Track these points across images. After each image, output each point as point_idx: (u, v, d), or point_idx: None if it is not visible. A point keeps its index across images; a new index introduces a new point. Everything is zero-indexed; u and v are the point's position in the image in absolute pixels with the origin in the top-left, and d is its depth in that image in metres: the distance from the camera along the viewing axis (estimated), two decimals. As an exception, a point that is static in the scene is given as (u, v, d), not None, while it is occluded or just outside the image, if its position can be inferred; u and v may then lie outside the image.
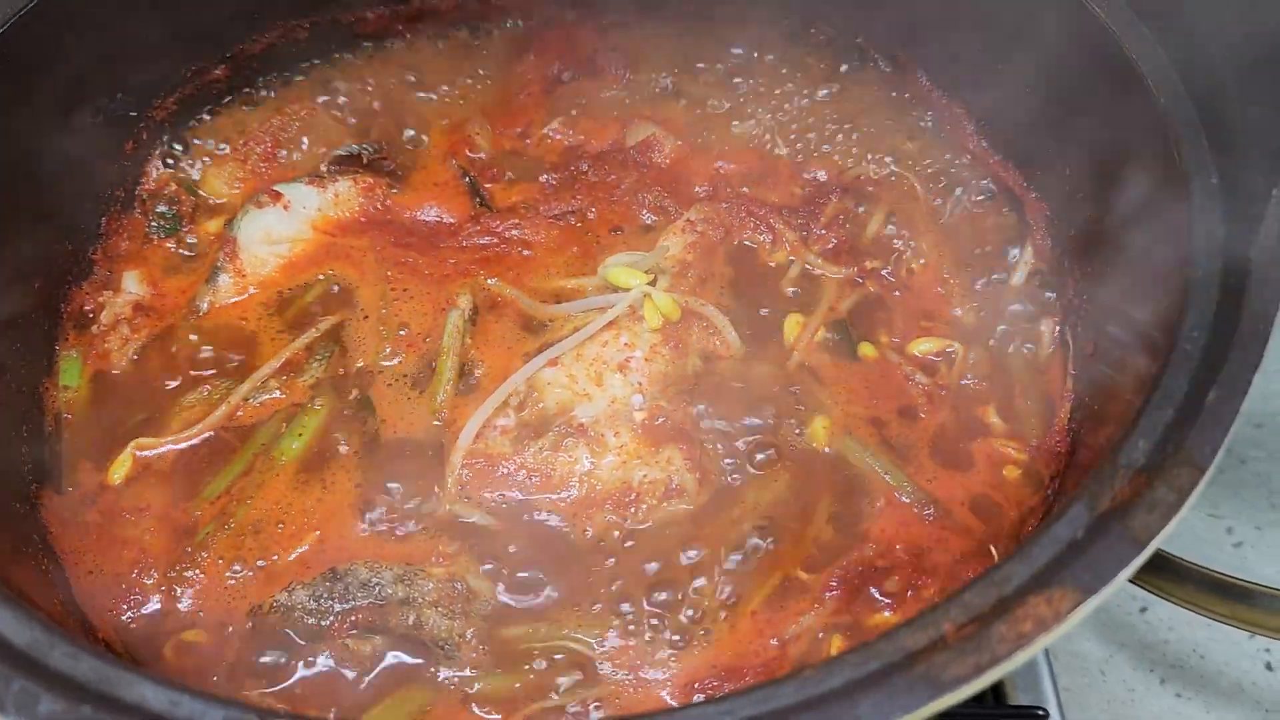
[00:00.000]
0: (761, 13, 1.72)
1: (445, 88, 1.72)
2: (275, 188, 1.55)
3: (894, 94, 1.68)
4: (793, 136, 1.65)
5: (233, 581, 1.25)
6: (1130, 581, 1.25)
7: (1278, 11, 1.12)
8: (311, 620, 1.20)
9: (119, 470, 1.34)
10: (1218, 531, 1.74)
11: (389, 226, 1.56)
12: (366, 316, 1.46)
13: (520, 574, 1.25)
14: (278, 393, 1.40)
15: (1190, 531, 1.74)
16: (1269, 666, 1.62)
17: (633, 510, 1.29)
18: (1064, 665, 1.62)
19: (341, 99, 1.71)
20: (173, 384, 1.42)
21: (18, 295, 1.40)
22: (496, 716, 1.17)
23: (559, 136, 1.67)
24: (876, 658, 0.84)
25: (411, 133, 1.68)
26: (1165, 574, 1.37)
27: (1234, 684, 1.61)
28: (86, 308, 1.48)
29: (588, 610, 1.23)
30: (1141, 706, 1.60)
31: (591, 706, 1.17)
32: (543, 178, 1.62)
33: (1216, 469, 0.94)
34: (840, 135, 1.65)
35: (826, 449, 1.35)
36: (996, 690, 1.51)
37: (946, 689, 0.81)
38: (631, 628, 1.22)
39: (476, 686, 1.18)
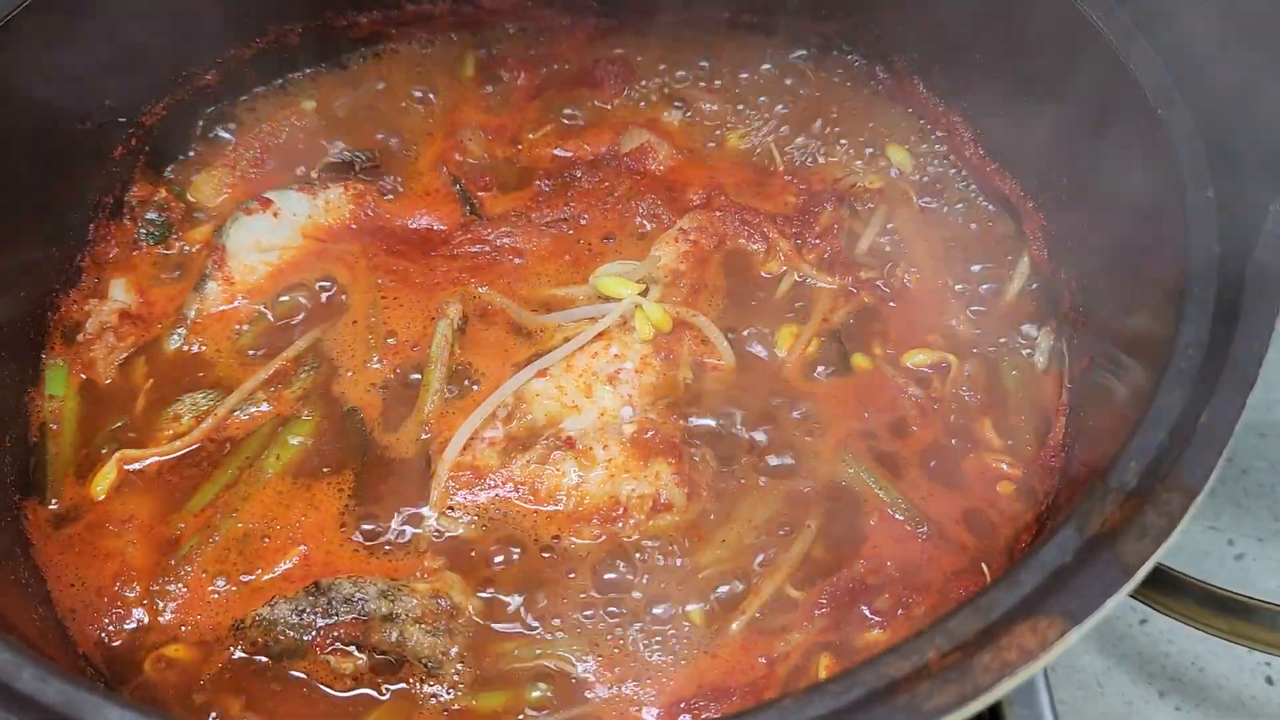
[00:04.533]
0: (757, 21, 1.70)
1: (437, 94, 1.71)
2: (265, 194, 1.54)
3: (891, 102, 1.66)
4: (788, 145, 1.64)
5: (216, 595, 1.25)
6: (1129, 595, 1.23)
7: (1276, 26, 1.10)
8: (294, 635, 1.19)
9: (103, 482, 1.33)
10: (1219, 544, 1.72)
11: (379, 234, 1.55)
12: (355, 324, 1.45)
13: (506, 590, 1.24)
14: (265, 405, 1.39)
15: (1191, 544, 1.72)
16: (1269, 680, 1.60)
17: (621, 525, 1.28)
18: (1061, 678, 1.61)
19: (333, 105, 1.69)
20: (159, 394, 1.41)
21: (3, 302, 1.39)
22: (480, 734, 1.16)
23: (552, 143, 1.65)
24: (859, 685, 0.82)
25: (403, 140, 1.66)
26: (1165, 589, 1.36)
27: (1234, 697, 1.59)
28: (73, 316, 1.47)
29: (574, 627, 1.22)
30: (1140, 720, 1.58)
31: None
32: (535, 185, 1.61)
33: (1216, 481, 0.92)
34: (835, 144, 1.64)
35: (819, 463, 1.33)
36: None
37: (928, 719, 0.79)
38: (618, 645, 1.21)
39: (460, 704, 1.18)
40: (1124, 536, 0.88)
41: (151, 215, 1.57)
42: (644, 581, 1.25)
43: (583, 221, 1.54)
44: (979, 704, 0.80)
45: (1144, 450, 0.94)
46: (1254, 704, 1.58)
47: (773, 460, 1.34)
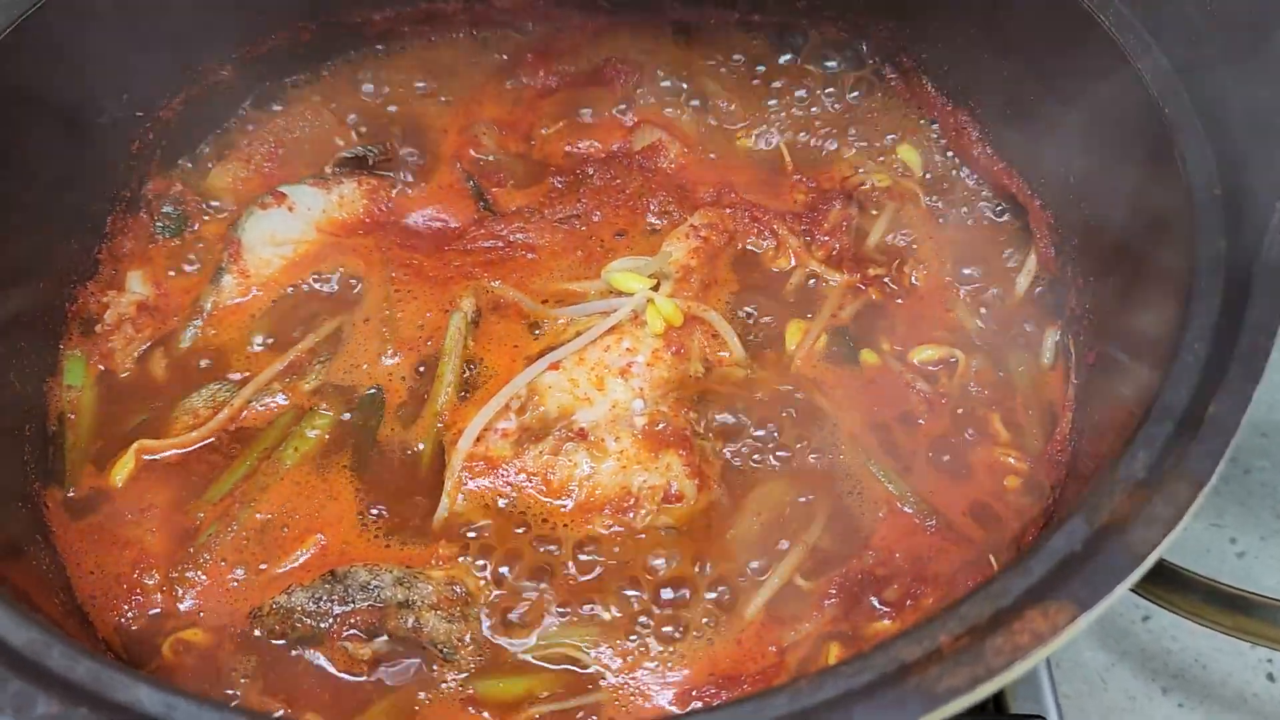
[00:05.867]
0: (768, 20, 1.72)
1: (451, 91, 1.72)
2: (279, 189, 1.55)
3: (899, 101, 1.68)
4: (797, 143, 1.65)
5: (234, 583, 1.26)
6: (1133, 591, 1.24)
7: (1282, 24, 1.12)
8: (311, 622, 1.21)
9: (121, 471, 1.34)
10: (1222, 541, 1.73)
11: (393, 229, 1.57)
12: (369, 319, 1.46)
13: (520, 578, 1.25)
14: (281, 396, 1.40)
15: (1194, 541, 1.73)
16: (1271, 677, 1.61)
17: (632, 515, 1.29)
18: (1065, 673, 1.62)
19: (347, 101, 1.71)
20: (176, 385, 1.42)
21: (23, 294, 1.41)
22: (494, 720, 1.17)
23: (565, 140, 1.67)
24: (870, 669, 0.83)
25: (416, 135, 1.68)
26: (1168, 584, 1.37)
27: (1236, 694, 1.60)
28: (91, 308, 1.49)
29: (586, 615, 1.23)
30: (1142, 715, 1.59)
31: (589, 712, 1.17)
32: (548, 181, 1.62)
33: (1219, 480, 0.93)
34: (845, 142, 1.65)
35: (828, 456, 1.34)
36: (996, 698, 1.50)
37: (940, 701, 0.80)
38: (630, 634, 1.22)
39: (474, 690, 1.19)
40: (1132, 526, 0.89)
41: (168, 209, 1.58)
42: (654, 571, 1.26)
43: (595, 218, 1.56)
44: (991, 686, 0.81)
45: (1151, 442, 0.95)
46: (1256, 701, 1.59)
47: (782, 453, 1.35)
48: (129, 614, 1.24)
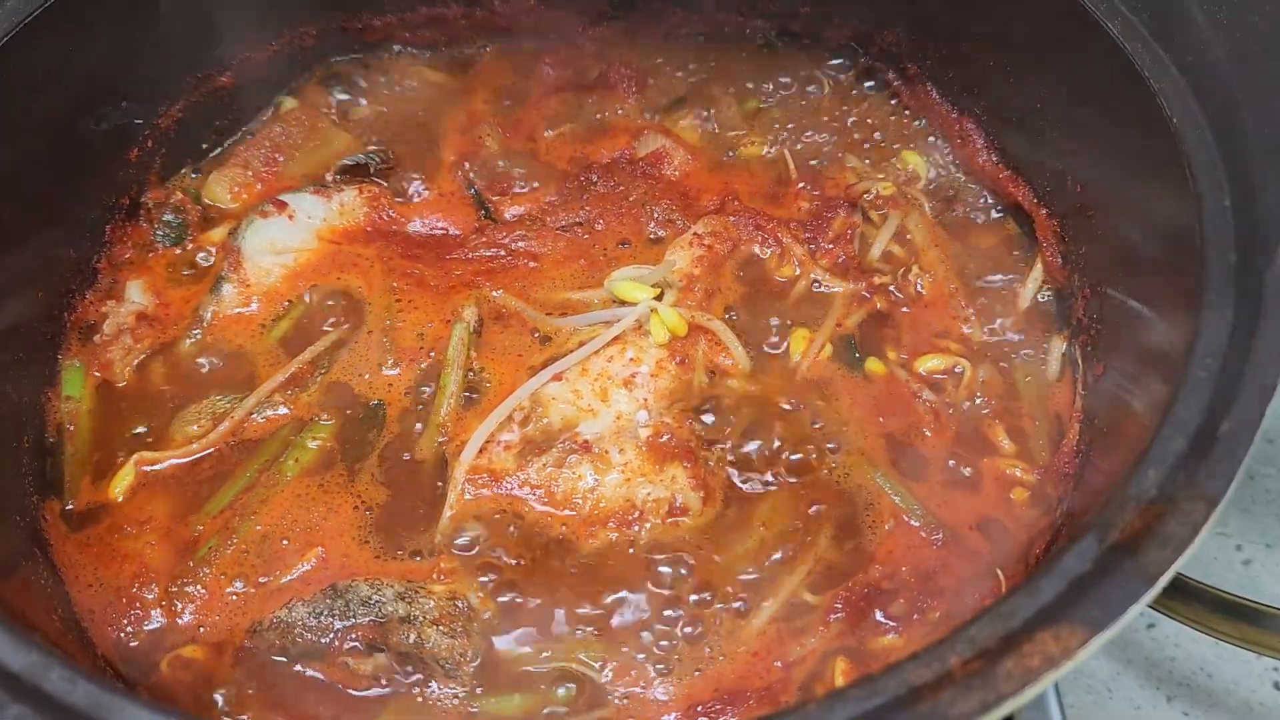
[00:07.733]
0: (770, 26, 1.71)
1: (452, 97, 1.72)
2: (280, 197, 1.54)
3: (904, 108, 1.67)
4: (801, 150, 1.64)
5: (234, 597, 1.25)
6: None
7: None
8: (311, 637, 1.20)
9: (121, 483, 1.33)
10: (1227, 549, 1.72)
11: (395, 237, 1.56)
12: (370, 330, 1.45)
13: (522, 592, 1.25)
14: (282, 408, 1.39)
15: (1199, 549, 1.72)
16: (1277, 686, 1.60)
17: (636, 529, 1.28)
18: (1069, 682, 1.61)
19: (348, 108, 1.71)
20: (176, 396, 1.41)
21: (20, 303, 1.40)
22: (497, 737, 1.16)
23: (567, 146, 1.66)
24: (881, 693, 0.82)
25: (417, 142, 1.67)
26: (1174, 593, 1.36)
27: (1242, 703, 1.59)
28: (90, 317, 1.48)
29: (590, 630, 1.22)
30: (1148, 725, 1.58)
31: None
32: (551, 188, 1.61)
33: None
34: (849, 149, 1.64)
35: (833, 467, 1.33)
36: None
37: (953, 726, 0.80)
38: (635, 648, 1.21)
39: (477, 706, 1.18)
40: (1145, 545, 0.89)
41: (167, 217, 1.57)
42: (659, 585, 1.25)
43: (598, 226, 1.55)
44: (1003, 710, 0.80)
45: (1163, 458, 0.94)
46: (1262, 710, 1.58)
47: (787, 464, 1.34)
48: (128, 629, 1.23)
